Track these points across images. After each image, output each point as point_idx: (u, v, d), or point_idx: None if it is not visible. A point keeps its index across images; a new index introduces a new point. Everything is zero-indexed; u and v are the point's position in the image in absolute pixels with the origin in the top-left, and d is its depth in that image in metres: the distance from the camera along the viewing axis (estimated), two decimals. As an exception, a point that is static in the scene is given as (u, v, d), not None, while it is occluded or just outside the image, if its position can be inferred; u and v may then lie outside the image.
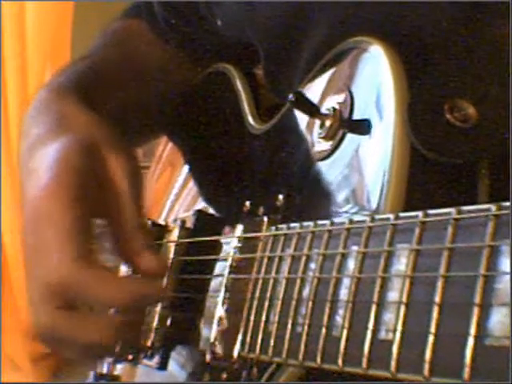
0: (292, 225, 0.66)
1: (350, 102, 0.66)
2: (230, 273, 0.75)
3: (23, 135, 0.79)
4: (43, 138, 0.74)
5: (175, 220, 0.91)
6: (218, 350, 0.73)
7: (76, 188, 0.66)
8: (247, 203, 0.77)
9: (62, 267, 0.64)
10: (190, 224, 0.88)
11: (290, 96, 0.69)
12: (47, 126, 0.76)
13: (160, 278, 0.76)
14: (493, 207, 0.46)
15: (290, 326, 0.62)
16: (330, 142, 0.67)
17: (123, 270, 0.93)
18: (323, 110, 0.68)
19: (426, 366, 0.47)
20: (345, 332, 0.55)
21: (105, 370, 0.99)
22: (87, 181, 0.67)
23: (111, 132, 0.74)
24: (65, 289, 0.64)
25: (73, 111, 0.77)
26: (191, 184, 0.97)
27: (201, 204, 0.92)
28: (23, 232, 0.68)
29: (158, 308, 0.86)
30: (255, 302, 0.68)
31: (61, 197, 0.65)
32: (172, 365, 0.86)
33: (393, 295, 0.51)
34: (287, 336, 0.62)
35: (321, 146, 0.68)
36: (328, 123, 0.67)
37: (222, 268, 0.79)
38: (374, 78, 0.64)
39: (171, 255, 0.88)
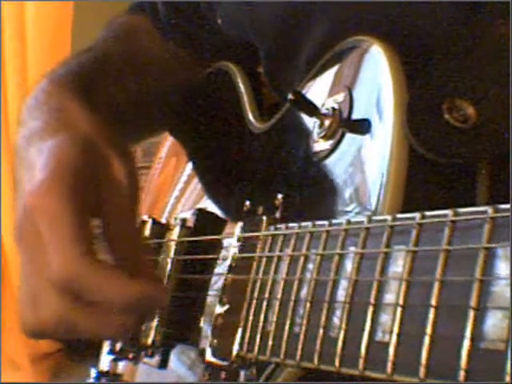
0: (290, 225, 0.66)
1: (350, 101, 0.66)
2: (229, 272, 0.75)
3: (21, 124, 0.78)
4: (41, 131, 0.74)
5: (176, 219, 0.91)
6: (217, 349, 0.73)
7: (72, 186, 0.66)
8: (247, 202, 0.77)
9: (71, 264, 0.63)
10: (190, 223, 0.88)
11: (289, 96, 0.69)
12: (46, 119, 0.76)
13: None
14: (489, 209, 0.46)
15: (287, 327, 0.61)
16: (330, 142, 0.67)
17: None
18: (323, 109, 0.68)
19: (422, 369, 0.47)
20: (342, 333, 0.55)
21: (106, 367, 1.00)
22: (83, 180, 0.67)
23: (110, 131, 0.74)
24: (73, 284, 0.63)
25: (72, 106, 0.76)
26: (194, 182, 0.97)
27: (203, 203, 0.92)
28: (17, 227, 0.68)
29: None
30: (254, 302, 0.68)
31: (57, 194, 0.65)
32: (179, 366, 0.86)
33: (389, 297, 0.51)
34: (285, 336, 0.62)
35: (320, 145, 0.68)
36: (327, 123, 0.67)
37: (221, 267, 0.79)
38: (374, 78, 0.64)
39: (171, 254, 0.88)
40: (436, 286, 0.47)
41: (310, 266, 0.61)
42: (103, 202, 0.68)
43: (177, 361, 0.86)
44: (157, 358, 0.87)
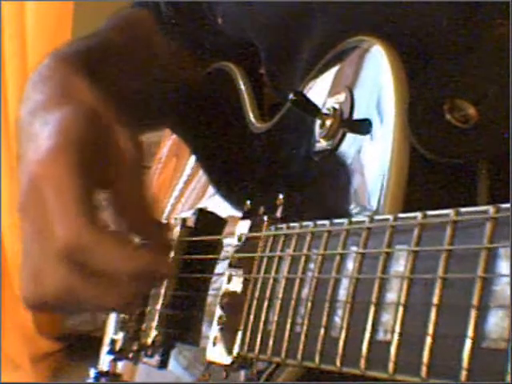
0: (292, 224, 0.66)
1: (351, 101, 0.66)
2: (229, 272, 0.75)
3: (24, 99, 0.78)
4: (46, 104, 0.73)
5: (176, 218, 0.91)
6: (218, 348, 0.73)
7: (78, 156, 0.65)
8: (248, 202, 0.77)
9: (76, 233, 0.63)
10: (190, 223, 0.88)
11: (290, 96, 0.69)
12: (51, 92, 0.75)
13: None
14: (491, 209, 0.46)
15: (288, 326, 0.61)
16: (331, 142, 0.67)
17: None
18: (324, 109, 0.68)
19: (424, 368, 0.47)
20: (343, 333, 0.55)
21: (106, 367, 1.00)
22: (89, 150, 0.66)
23: (113, 105, 0.73)
24: (78, 253, 0.63)
25: (77, 80, 0.76)
26: (194, 182, 0.97)
27: (203, 203, 0.92)
28: (21, 197, 0.67)
29: (159, 306, 0.86)
30: (255, 302, 0.68)
31: (63, 163, 0.64)
32: (176, 367, 0.86)
33: (391, 296, 0.51)
34: (286, 336, 0.62)
35: (321, 145, 0.68)
36: (328, 123, 0.67)
37: (222, 267, 0.79)
38: (375, 78, 0.64)
39: (172, 254, 0.88)
40: (438, 285, 0.47)
41: (312, 265, 0.61)
42: (111, 171, 0.67)
43: (173, 361, 0.86)
44: (157, 358, 0.87)
